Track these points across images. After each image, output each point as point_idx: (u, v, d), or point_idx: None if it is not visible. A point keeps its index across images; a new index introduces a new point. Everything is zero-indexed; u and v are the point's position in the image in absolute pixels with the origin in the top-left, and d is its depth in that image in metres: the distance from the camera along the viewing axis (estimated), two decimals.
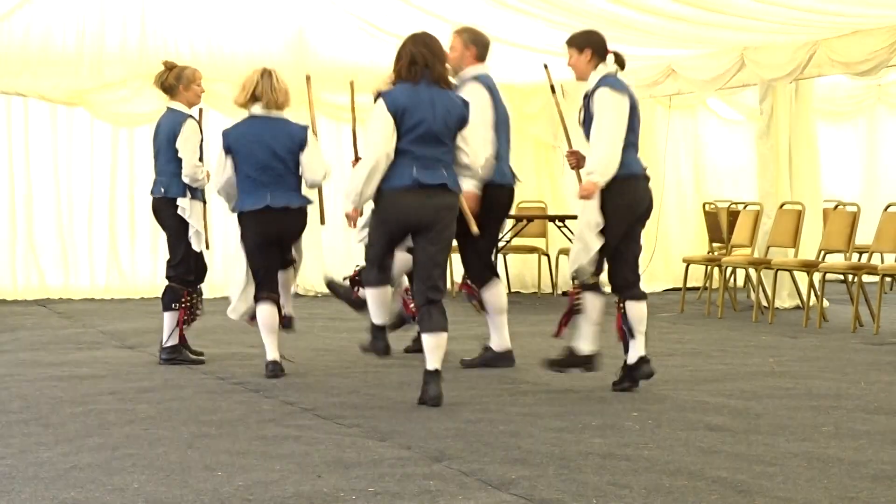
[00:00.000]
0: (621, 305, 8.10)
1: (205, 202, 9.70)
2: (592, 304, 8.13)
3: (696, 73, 14.55)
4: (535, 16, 12.70)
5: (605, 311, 8.22)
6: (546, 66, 9.25)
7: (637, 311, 8.07)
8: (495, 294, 9.25)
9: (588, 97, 8.13)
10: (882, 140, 18.48)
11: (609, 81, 8.05)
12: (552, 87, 9.12)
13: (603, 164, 7.92)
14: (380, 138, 7.58)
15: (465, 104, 7.77)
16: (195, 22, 15.22)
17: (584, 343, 8.19)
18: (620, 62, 8.19)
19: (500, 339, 9.32)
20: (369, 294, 7.91)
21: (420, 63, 7.63)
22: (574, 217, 14.94)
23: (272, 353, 8.90)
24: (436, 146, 7.60)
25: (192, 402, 7.86)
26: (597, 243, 7.98)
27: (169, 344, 9.64)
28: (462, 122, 7.70)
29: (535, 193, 16.53)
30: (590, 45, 8.18)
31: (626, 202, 8.05)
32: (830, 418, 7.21)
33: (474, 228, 8.09)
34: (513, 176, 9.29)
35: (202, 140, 9.60)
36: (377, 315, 7.98)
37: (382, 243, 7.79)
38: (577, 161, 8.41)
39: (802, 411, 7.43)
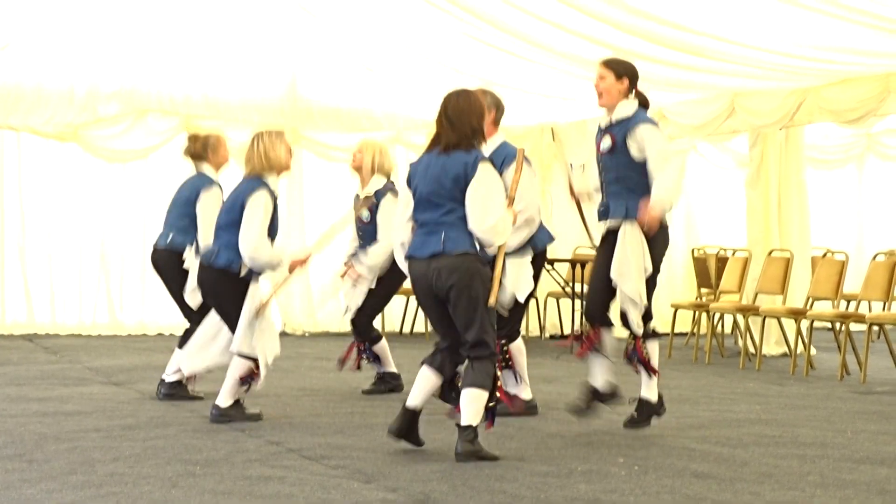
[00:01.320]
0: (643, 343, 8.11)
1: None
2: (654, 350, 8.13)
3: (686, 119, 14.60)
4: (530, 60, 12.75)
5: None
6: (571, 165, 9.07)
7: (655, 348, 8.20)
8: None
9: (612, 127, 8.09)
10: (871, 188, 18.53)
11: (650, 119, 8.09)
12: (571, 188, 8.63)
13: (671, 194, 7.93)
14: (395, 222, 7.68)
15: (470, 163, 7.32)
16: (188, 61, 15.25)
17: (652, 391, 8.18)
18: (645, 102, 8.20)
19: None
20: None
21: (436, 132, 7.54)
22: (563, 260, 15.03)
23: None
24: (433, 210, 7.38)
25: (178, 440, 7.83)
26: (644, 291, 7.99)
27: (171, 380, 9.66)
28: (458, 180, 7.34)
29: None
30: (629, 75, 8.16)
31: (666, 241, 8.13)
32: (816, 467, 7.20)
33: (492, 300, 7.74)
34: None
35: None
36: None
37: (427, 317, 7.73)
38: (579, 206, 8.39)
39: (788, 459, 7.42)
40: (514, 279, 8.80)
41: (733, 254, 14.20)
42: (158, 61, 15.23)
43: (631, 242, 7.97)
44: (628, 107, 8.09)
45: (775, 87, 13.07)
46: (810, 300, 12.69)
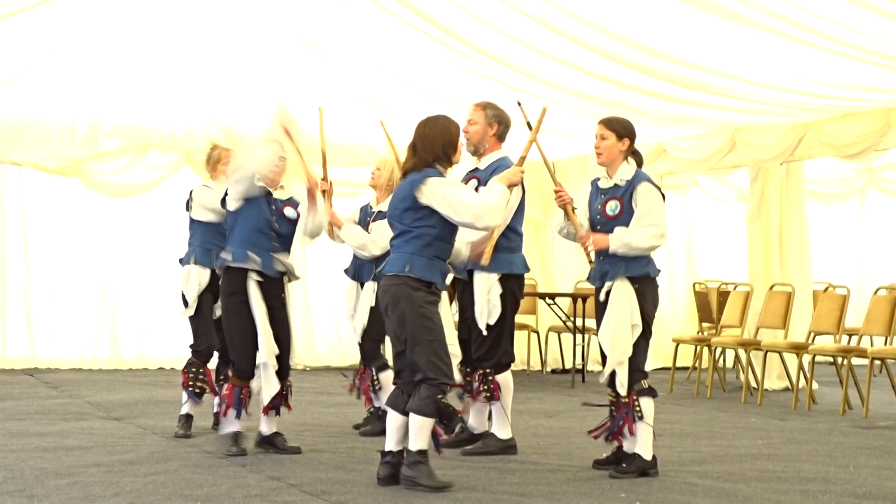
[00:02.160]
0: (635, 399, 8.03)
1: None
2: (648, 408, 8.04)
3: (687, 154, 14.63)
4: (530, 94, 12.76)
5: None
6: (519, 103, 8.94)
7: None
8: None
9: (617, 190, 8.05)
10: (872, 223, 18.55)
11: (648, 177, 8.07)
12: (528, 125, 8.48)
13: (635, 245, 7.87)
14: None
15: (417, 180, 7.40)
16: (189, 96, 15.30)
17: (646, 448, 8.05)
18: (641, 161, 8.21)
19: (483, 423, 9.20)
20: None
21: (405, 160, 7.62)
22: (565, 294, 15.03)
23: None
24: (393, 232, 7.63)
25: (178, 475, 7.81)
26: (630, 348, 7.96)
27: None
28: (406, 199, 7.45)
29: None
30: (629, 137, 8.14)
31: (657, 301, 8.09)
32: (819, 502, 7.18)
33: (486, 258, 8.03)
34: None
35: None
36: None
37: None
38: (566, 199, 8.24)
39: (791, 495, 7.40)
40: (481, 304, 8.80)
41: (734, 288, 14.19)
42: (159, 96, 15.27)
43: (620, 300, 7.95)
44: (629, 170, 8.10)
45: (776, 121, 13.11)
46: (812, 334, 12.68)
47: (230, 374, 8.86)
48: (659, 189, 8.08)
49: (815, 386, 12.65)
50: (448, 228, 7.50)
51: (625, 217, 8.00)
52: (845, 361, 11.92)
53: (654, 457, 8.03)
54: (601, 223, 8.11)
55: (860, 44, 10.00)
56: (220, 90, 15.31)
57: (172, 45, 14.57)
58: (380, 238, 9.58)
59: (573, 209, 8.23)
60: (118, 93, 15.15)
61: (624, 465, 8.03)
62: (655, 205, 7.96)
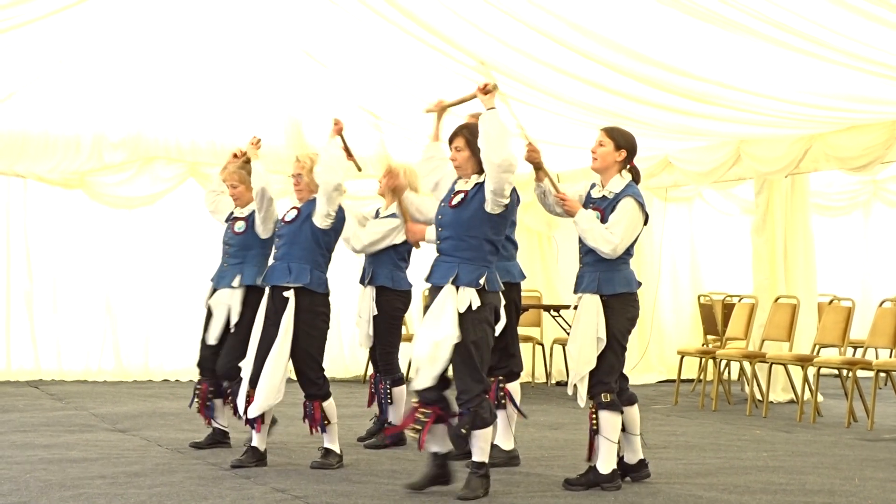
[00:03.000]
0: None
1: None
2: (609, 422, 7.97)
3: (692, 166, 14.63)
4: (534, 105, 12.77)
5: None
6: (483, 63, 8.70)
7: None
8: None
9: (602, 201, 8.00)
10: (877, 235, 18.52)
11: (637, 193, 7.99)
12: (495, 86, 8.05)
13: (588, 235, 7.85)
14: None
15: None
16: (194, 108, 15.32)
17: (606, 463, 7.97)
18: (637, 177, 8.18)
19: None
20: None
21: None
22: (569, 307, 15.01)
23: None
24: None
25: (183, 487, 7.80)
26: (594, 361, 7.93)
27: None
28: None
29: (529, 283, 16.48)
30: (628, 149, 8.06)
31: (631, 316, 8.02)
32: None
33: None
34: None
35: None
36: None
37: None
38: (537, 155, 8.12)
39: None
40: None
41: (739, 300, 14.18)
42: (164, 109, 15.30)
43: (585, 312, 7.92)
44: (620, 183, 8.05)
45: (781, 134, 13.11)
46: (817, 347, 12.67)
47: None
48: (643, 208, 7.99)
49: (820, 398, 12.63)
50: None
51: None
52: (850, 374, 11.91)
53: (613, 471, 7.92)
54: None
55: (866, 55, 10.01)
56: (225, 103, 15.33)
57: (177, 58, 14.60)
58: (364, 235, 9.65)
59: (545, 169, 8.14)
60: (123, 105, 15.18)
61: (578, 476, 8.01)
62: (627, 219, 7.87)
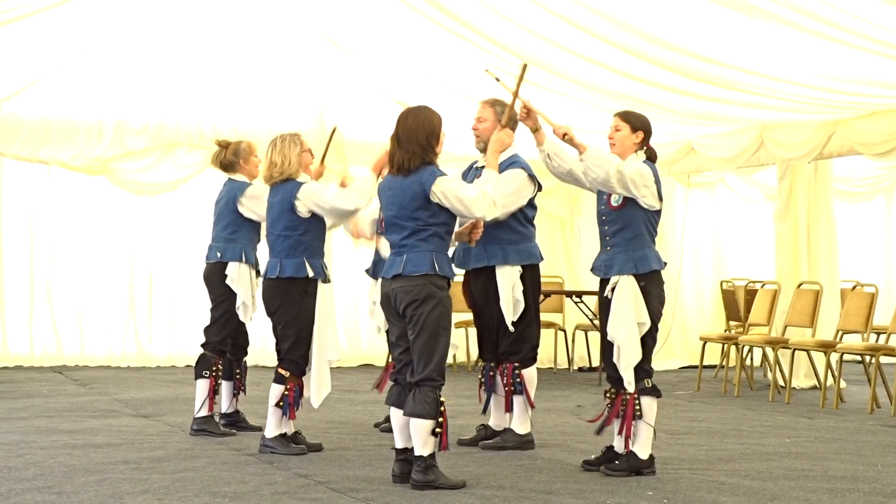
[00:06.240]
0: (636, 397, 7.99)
1: (258, 273, 9.58)
2: (650, 408, 7.98)
3: (715, 152, 14.60)
4: (554, 91, 12.76)
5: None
6: (488, 70, 8.88)
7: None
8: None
9: None
10: None
11: (653, 166, 8.03)
12: (496, 79, 8.51)
13: (596, 156, 7.80)
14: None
15: (425, 179, 7.36)
16: (217, 94, 15.36)
17: (644, 448, 8.00)
18: (653, 156, 8.18)
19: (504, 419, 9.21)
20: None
21: (390, 151, 7.55)
22: (591, 293, 15.00)
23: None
24: (398, 232, 7.45)
25: (206, 472, 7.83)
26: (639, 345, 7.93)
27: (200, 415, 9.57)
28: (416, 198, 7.38)
29: (551, 269, 16.50)
30: (644, 130, 8.09)
31: (663, 298, 8.02)
32: (847, 501, 7.16)
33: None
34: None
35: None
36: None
37: (389, 333, 7.73)
38: (531, 122, 8.21)
39: (818, 493, 7.38)
40: (507, 299, 8.84)
41: (762, 286, 14.15)
42: (187, 95, 15.33)
43: (626, 296, 7.91)
44: (636, 161, 8.06)
45: (804, 119, 13.07)
46: (840, 333, 12.64)
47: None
48: (655, 174, 7.98)
49: (842, 384, 12.60)
50: (454, 222, 7.55)
51: (627, 209, 7.95)
52: (873, 360, 11.88)
53: (651, 456, 7.98)
54: (606, 214, 8.08)
55: (889, 40, 9.96)
56: (248, 89, 15.35)
57: (200, 45, 14.63)
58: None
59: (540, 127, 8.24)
60: (145, 92, 15.22)
61: (616, 462, 8.01)
62: (634, 165, 7.90)
